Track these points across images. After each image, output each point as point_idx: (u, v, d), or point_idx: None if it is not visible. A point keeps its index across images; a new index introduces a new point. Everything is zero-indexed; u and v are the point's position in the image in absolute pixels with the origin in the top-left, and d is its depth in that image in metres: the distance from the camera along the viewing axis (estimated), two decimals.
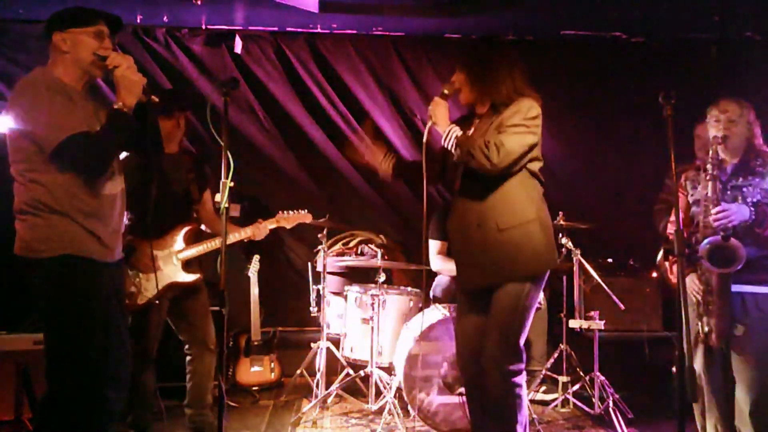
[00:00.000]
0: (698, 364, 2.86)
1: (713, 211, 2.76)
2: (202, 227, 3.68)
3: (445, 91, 2.76)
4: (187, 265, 3.47)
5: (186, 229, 3.50)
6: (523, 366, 2.71)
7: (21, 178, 2.45)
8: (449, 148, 2.68)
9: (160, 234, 3.42)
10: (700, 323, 2.83)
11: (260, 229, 3.61)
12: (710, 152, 2.83)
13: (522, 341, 2.70)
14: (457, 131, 2.68)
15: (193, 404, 3.53)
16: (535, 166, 2.74)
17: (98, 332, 2.45)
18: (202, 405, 3.53)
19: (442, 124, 2.70)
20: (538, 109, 2.67)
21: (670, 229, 3.06)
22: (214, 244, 3.48)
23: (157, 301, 3.37)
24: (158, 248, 3.39)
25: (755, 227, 2.77)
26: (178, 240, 3.47)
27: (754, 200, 2.80)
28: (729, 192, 2.85)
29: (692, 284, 2.87)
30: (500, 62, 2.73)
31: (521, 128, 2.63)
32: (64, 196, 2.42)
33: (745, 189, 2.83)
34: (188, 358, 3.55)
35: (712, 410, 2.93)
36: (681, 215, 2.89)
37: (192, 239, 3.51)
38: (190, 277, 3.45)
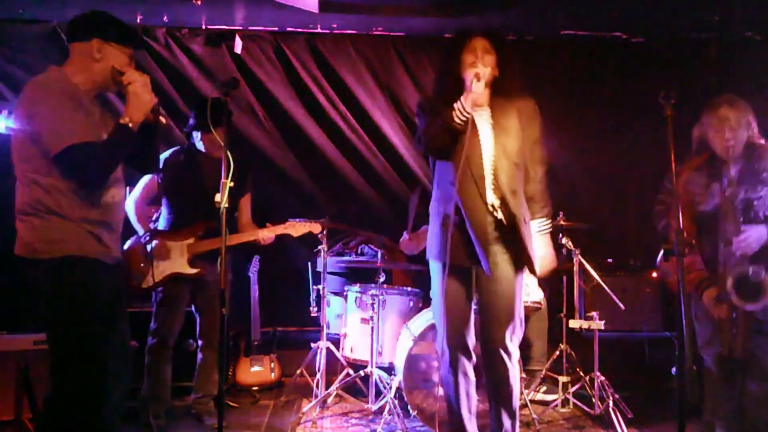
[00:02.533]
0: (718, 371, 2.89)
1: (734, 240, 2.76)
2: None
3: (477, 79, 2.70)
4: (198, 259, 3.57)
5: (203, 225, 3.58)
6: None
7: (24, 178, 2.44)
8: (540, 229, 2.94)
9: (178, 227, 3.61)
10: (722, 338, 2.83)
11: (266, 234, 3.68)
12: (714, 161, 2.86)
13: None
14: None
15: (197, 390, 3.79)
16: None
17: (100, 330, 2.46)
18: (205, 392, 3.77)
19: None
20: None
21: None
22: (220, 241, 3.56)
23: (159, 288, 3.56)
24: (173, 239, 3.57)
25: None
26: (192, 234, 3.59)
27: (767, 214, 2.80)
28: (739, 207, 2.83)
29: (710, 300, 2.86)
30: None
31: None
32: (65, 201, 2.42)
33: (756, 203, 2.82)
34: (200, 345, 3.81)
35: (725, 417, 2.95)
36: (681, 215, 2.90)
37: (206, 235, 3.59)
38: (192, 270, 3.56)
